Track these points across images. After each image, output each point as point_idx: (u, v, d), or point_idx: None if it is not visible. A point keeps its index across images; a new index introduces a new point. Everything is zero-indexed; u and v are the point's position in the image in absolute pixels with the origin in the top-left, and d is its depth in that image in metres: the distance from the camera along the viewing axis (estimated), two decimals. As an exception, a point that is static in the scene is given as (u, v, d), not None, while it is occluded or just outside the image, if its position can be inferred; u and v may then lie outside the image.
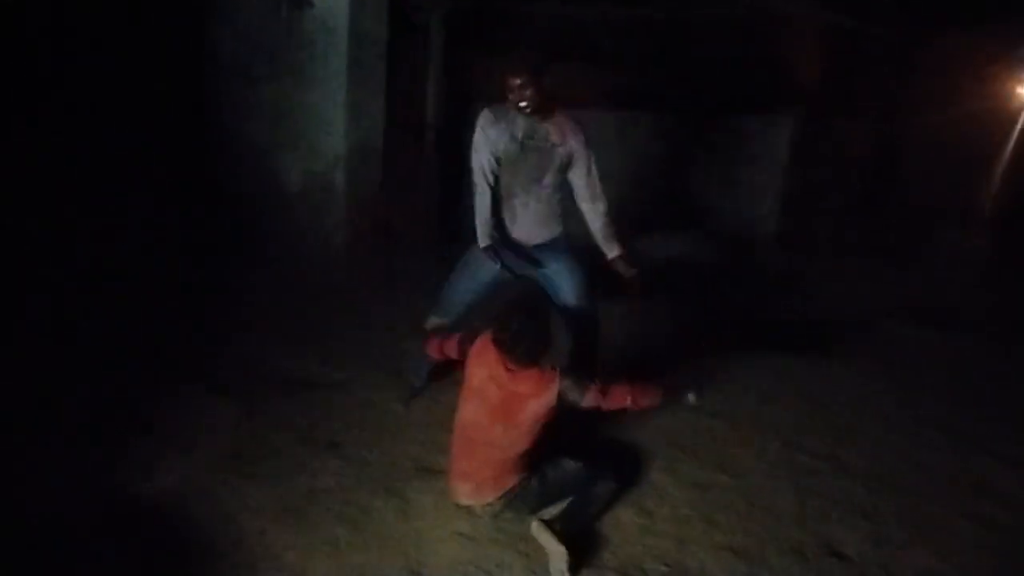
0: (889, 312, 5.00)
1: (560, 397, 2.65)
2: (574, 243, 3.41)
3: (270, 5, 4.85)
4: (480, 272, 3.28)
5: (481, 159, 3.22)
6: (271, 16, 4.90)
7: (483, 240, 3.21)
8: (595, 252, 3.40)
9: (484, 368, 2.73)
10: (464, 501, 2.79)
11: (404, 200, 5.52)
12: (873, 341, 4.58)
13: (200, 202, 4.94)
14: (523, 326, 2.64)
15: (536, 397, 2.66)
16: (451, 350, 2.98)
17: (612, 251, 3.36)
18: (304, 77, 4.96)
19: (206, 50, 5.05)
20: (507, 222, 3.29)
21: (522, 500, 2.74)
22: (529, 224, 3.29)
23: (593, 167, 3.31)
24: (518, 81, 3.05)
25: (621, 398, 2.74)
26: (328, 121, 4.99)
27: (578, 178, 3.30)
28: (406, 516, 2.81)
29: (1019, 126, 7.44)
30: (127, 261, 4.41)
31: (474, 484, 2.75)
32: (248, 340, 4.04)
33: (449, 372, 3.75)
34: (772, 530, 2.86)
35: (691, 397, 2.85)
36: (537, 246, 3.33)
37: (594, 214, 3.35)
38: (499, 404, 2.69)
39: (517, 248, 3.30)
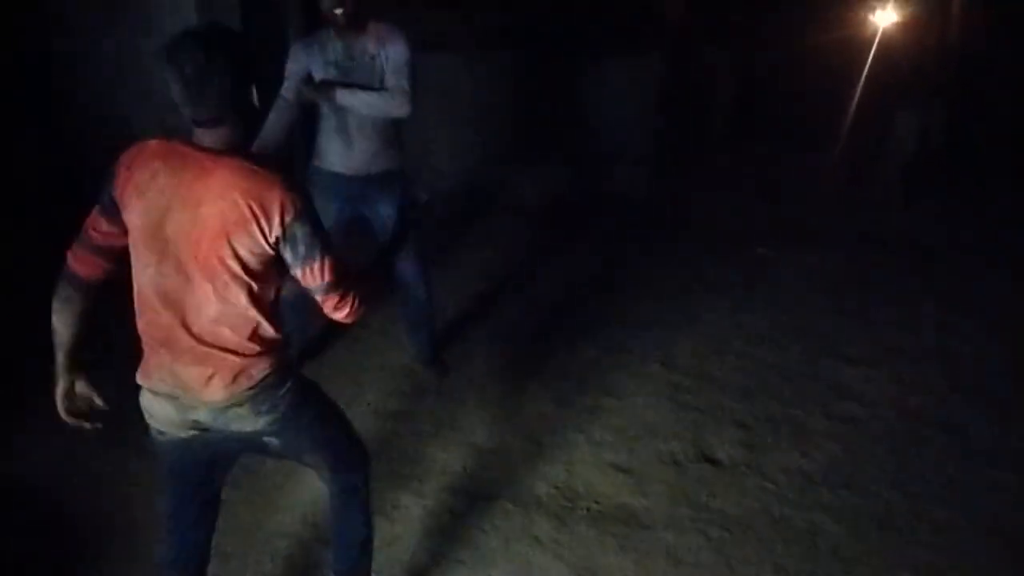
0: (754, 233, 5.29)
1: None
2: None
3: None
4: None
5: (289, 87, 2.93)
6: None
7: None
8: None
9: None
10: None
11: (270, 153, 5.31)
12: (739, 261, 4.84)
13: (47, 167, 4.59)
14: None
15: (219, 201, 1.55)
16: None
17: None
18: (150, 27, 4.64)
19: (41, 6, 4.64)
20: (342, 153, 3.00)
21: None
22: (367, 151, 3.00)
23: (406, 70, 2.89)
24: None
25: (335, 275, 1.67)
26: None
27: (388, 81, 2.91)
28: (295, 472, 2.79)
29: (872, 52, 7.91)
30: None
31: None
32: (113, 312, 3.83)
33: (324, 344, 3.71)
34: (652, 444, 3.03)
35: None
36: (372, 178, 3.05)
37: None
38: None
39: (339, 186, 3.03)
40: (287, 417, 1.75)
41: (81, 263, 1.68)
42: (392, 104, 2.89)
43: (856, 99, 7.82)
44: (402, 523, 2.58)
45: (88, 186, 1.77)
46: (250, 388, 1.67)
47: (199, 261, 1.57)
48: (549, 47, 6.11)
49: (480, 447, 2.97)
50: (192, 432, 1.71)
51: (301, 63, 2.93)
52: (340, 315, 1.75)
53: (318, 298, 1.71)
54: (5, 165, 4.37)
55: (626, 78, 6.26)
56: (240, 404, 1.67)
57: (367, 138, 2.97)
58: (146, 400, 1.73)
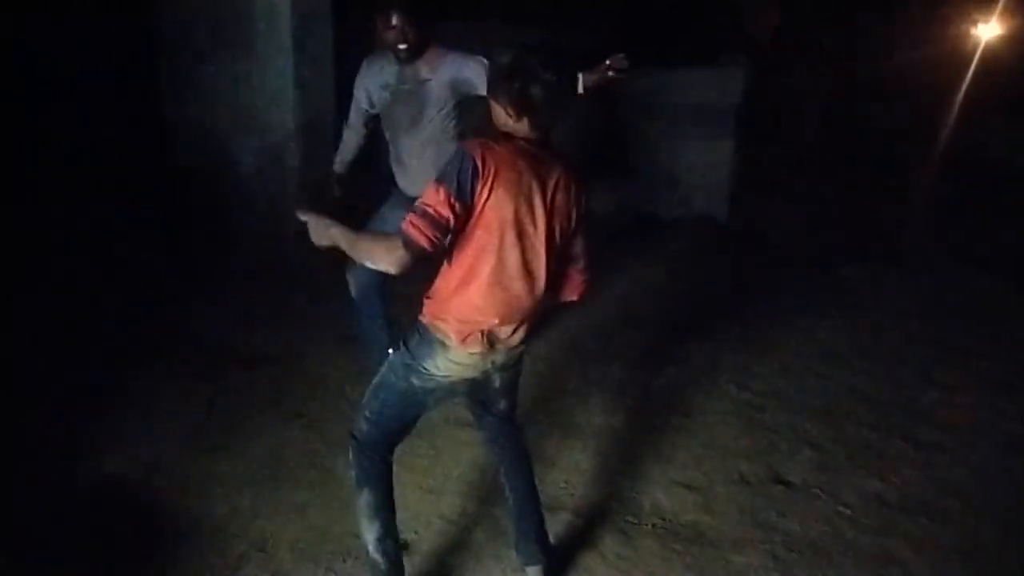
0: (840, 253, 5.16)
1: None
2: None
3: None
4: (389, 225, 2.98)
5: (354, 106, 3.23)
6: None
7: (336, 166, 3.36)
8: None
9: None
10: None
11: (356, 174, 5.53)
12: (821, 282, 4.72)
13: (149, 181, 4.91)
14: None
15: None
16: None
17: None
18: (249, 53, 4.93)
19: (149, 26, 5.01)
20: (398, 175, 3.23)
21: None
22: (418, 171, 3.09)
23: (483, 71, 2.86)
24: (394, 22, 2.89)
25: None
26: (276, 98, 4.97)
27: (481, 88, 2.79)
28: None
29: (972, 67, 7.59)
30: (79, 245, 4.39)
31: None
32: (207, 318, 4.07)
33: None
34: (722, 464, 2.99)
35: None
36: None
37: None
38: None
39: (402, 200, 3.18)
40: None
41: (423, 237, 1.86)
42: None
43: (954, 117, 7.51)
44: (466, 530, 2.64)
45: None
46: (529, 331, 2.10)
47: (550, 239, 1.98)
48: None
49: (547, 459, 2.99)
50: (474, 375, 2.11)
51: (364, 87, 3.16)
52: (583, 289, 2.18)
53: (576, 270, 2.14)
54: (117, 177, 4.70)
55: (711, 90, 6.14)
56: (523, 343, 2.11)
57: (420, 164, 3.12)
58: (451, 354, 2.03)
